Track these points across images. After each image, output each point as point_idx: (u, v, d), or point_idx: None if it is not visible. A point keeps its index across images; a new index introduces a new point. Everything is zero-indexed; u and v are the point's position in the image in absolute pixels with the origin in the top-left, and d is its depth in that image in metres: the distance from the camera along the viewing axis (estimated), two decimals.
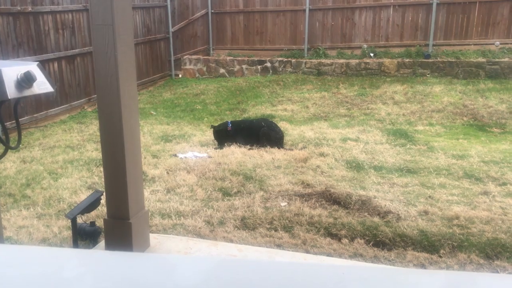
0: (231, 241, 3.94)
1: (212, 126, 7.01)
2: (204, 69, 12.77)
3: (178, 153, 6.34)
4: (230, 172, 5.52)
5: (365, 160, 5.98)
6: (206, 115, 8.85)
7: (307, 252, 3.79)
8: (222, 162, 5.86)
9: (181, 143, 6.88)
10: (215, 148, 6.59)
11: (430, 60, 11.07)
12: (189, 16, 12.94)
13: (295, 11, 12.69)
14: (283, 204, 4.68)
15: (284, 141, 6.81)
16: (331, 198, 4.74)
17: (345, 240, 3.98)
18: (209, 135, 7.35)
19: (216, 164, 5.81)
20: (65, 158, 6.21)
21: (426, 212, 4.43)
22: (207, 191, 5.03)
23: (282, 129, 7.12)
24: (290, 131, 7.45)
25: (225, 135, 6.76)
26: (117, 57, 3.01)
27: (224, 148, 6.56)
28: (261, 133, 6.68)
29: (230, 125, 6.80)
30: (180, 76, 12.76)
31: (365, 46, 12.18)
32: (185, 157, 6.18)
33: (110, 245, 3.38)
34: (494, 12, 11.37)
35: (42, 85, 2.53)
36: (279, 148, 6.52)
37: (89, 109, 9.22)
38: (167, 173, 5.59)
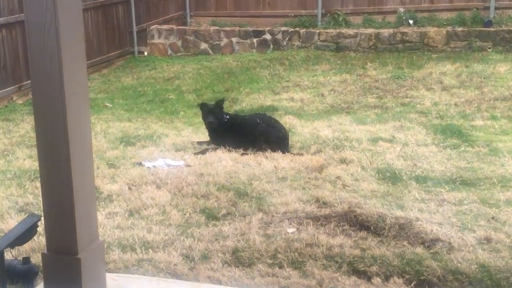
0: (219, 282, 3.95)
1: (203, 103, 7.15)
2: (179, 43, 12.78)
3: (144, 161, 6.34)
4: (217, 186, 5.52)
5: (404, 168, 5.99)
6: (182, 108, 8.84)
7: None
8: (206, 173, 5.87)
9: (148, 147, 6.88)
10: (195, 153, 6.60)
11: (491, 29, 11.12)
12: None
13: None
14: (290, 230, 4.68)
15: (291, 142, 6.82)
16: (356, 222, 4.74)
17: (377, 280, 3.98)
18: (186, 135, 7.35)
19: (197, 176, 5.80)
20: None
21: (488, 240, 4.44)
22: (185, 213, 5.02)
23: (287, 126, 7.12)
24: (299, 128, 7.46)
25: (220, 118, 6.85)
26: (58, 29, 3.01)
27: (208, 151, 6.57)
28: (257, 132, 6.69)
29: (228, 116, 6.98)
30: (146, 53, 12.76)
31: (401, 10, 12.24)
32: (154, 166, 6.18)
33: None
34: None
35: None
36: (283, 152, 6.53)
37: (20, 101, 9.20)
38: (129, 188, 5.58)
